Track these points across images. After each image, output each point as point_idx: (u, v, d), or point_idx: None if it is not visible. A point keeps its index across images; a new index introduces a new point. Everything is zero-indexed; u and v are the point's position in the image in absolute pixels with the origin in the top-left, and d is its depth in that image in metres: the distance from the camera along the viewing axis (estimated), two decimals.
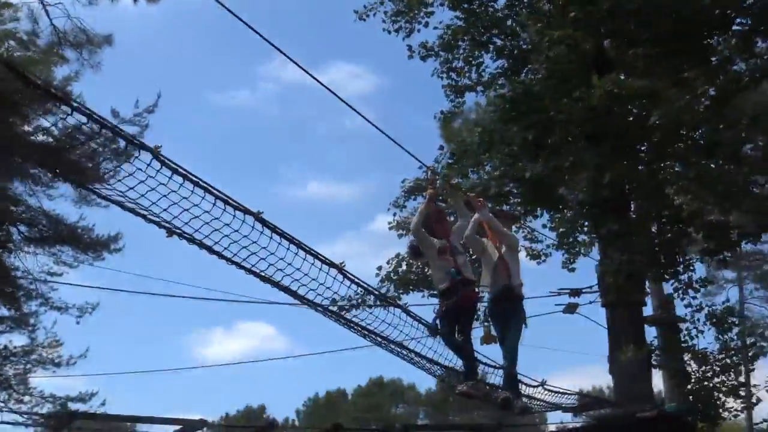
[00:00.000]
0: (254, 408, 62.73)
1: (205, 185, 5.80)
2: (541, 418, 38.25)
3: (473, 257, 10.87)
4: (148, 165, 5.45)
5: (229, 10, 6.47)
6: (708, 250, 14.50)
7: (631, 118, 13.27)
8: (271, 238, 6.41)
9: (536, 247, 17.96)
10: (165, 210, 5.87)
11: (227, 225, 6.09)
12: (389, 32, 18.77)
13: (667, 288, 15.56)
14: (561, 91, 13.95)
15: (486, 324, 10.09)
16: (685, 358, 14.73)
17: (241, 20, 6.18)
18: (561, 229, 15.93)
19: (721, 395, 14.52)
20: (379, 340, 8.68)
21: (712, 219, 13.44)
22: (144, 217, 6.05)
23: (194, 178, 5.72)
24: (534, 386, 10.33)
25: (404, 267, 16.29)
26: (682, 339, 14.88)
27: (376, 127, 7.92)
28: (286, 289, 7.10)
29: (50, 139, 15.72)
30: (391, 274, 16.08)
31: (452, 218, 10.82)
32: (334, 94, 7.56)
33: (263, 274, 6.77)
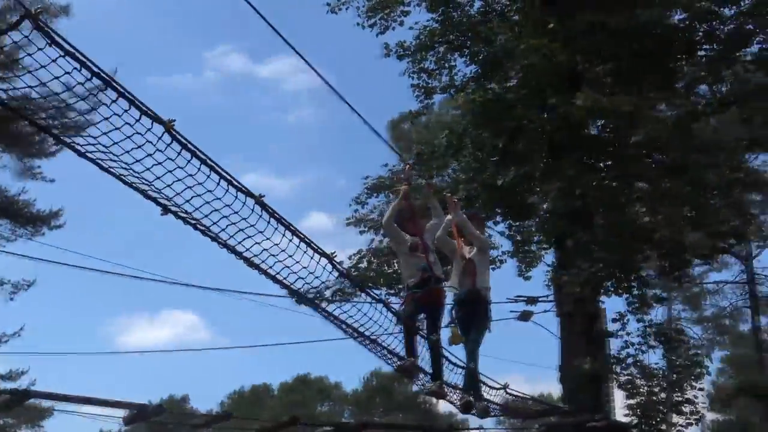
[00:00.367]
0: (177, 398, 61.96)
1: (212, 164, 5.72)
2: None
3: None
4: (159, 139, 5.36)
5: None
6: (663, 268, 14.84)
7: (609, 134, 13.49)
8: (268, 222, 6.35)
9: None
10: (168, 186, 5.77)
11: (228, 206, 6.01)
12: (363, 27, 18.78)
13: (617, 304, 15.90)
14: (535, 100, 14.11)
15: (453, 325, 10.13)
16: (634, 372, 15.03)
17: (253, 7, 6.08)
18: (537, 237, 16.11)
19: (666, 410, 14.88)
20: (352, 332, 8.62)
21: (671, 238, 13.73)
22: (143, 193, 5.94)
23: (202, 156, 5.64)
24: (497, 389, 10.41)
25: (365, 264, 16.31)
26: (632, 354, 15.18)
27: (364, 119, 7.84)
28: (274, 278, 7.04)
29: None
30: (352, 270, 16.08)
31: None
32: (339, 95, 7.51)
33: (252, 258, 6.70)
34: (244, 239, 6.37)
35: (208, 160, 5.72)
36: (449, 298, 10.16)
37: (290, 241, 6.61)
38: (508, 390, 10.75)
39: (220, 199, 5.94)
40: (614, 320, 15.36)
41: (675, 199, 13.23)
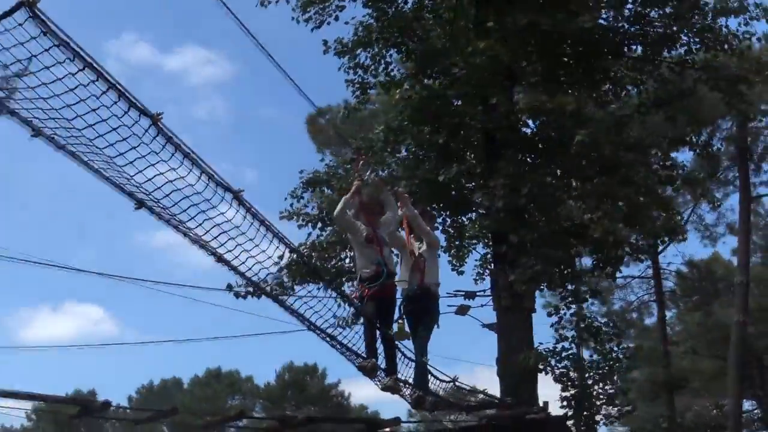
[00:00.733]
0: (84, 392, 60.51)
1: (195, 157, 5.66)
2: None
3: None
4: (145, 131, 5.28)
5: None
6: (597, 265, 15.28)
7: (549, 132, 13.78)
8: (245, 217, 6.32)
9: None
10: (149, 180, 5.70)
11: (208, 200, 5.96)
12: (297, 22, 18.61)
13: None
14: (475, 98, 14.31)
15: (400, 321, 10.20)
16: (568, 365, 15.38)
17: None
18: (470, 232, 16.32)
19: (598, 402, 15.32)
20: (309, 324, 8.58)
21: (605, 234, 14.12)
22: (119, 187, 5.84)
23: (186, 149, 5.58)
24: (447, 382, 10.56)
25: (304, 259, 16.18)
26: (567, 347, 15.54)
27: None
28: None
29: None
30: (292, 265, 15.94)
31: None
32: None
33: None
34: (219, 234, 6.32)
35: (191, 154, 5.67)
36: (398, 293, 10.29)
37: (264, 235, 6.59)
38: (457, 383, 10.89)
39: (200, 193, 5.89)
40: (549, 314, 15.72)
41: (611, 197, 13.62)
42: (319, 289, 9.36)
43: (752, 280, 30.49)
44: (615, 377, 15.73)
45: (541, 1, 15.44)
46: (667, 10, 17.20)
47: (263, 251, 6.63)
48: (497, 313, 15.24)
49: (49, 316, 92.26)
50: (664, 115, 17.18)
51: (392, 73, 17.92)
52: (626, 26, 17.27)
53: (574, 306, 15.61)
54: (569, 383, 14.92)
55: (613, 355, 15.58)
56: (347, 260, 16.36)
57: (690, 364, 37.00)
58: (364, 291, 9.35)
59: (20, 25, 4.39)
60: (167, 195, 5.80)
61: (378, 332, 9.21)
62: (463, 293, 15.75)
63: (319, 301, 8.47)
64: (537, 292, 16.19)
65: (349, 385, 61.17)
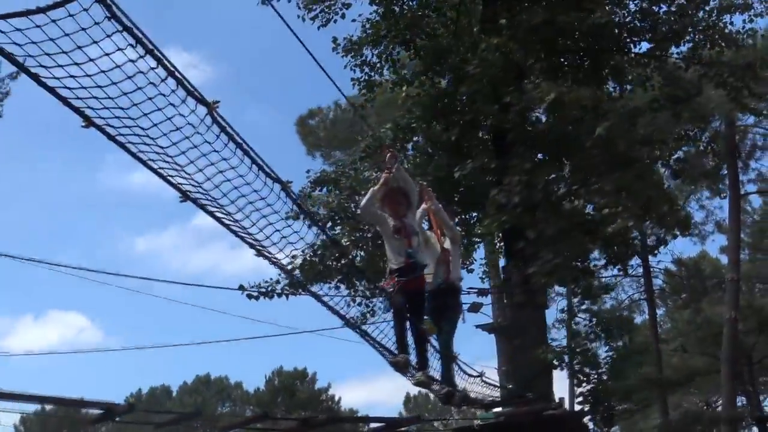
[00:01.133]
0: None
1: (247, 148, 5.58)
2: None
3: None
4: (201, 121, 5.19)
5: None
6: (611, 259, 15.25)
7: (565, 128, 13.74)
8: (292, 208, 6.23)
9: None
10: (200, 171, 5.60)
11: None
12: (303, 20, 18.54)
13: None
14: (489, 96, 14.26)
15: (426, 316, 10.12)
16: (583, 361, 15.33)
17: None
18: (477, 229, 16.25)
19: (613, 399, 15.30)
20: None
21: (627, 230, 14.07)
22: (166, 179, 5.73)
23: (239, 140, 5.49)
24: (474, 377, 10.51)
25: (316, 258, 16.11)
26: (581, 343, 15.50)
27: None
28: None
29: None
30: (305, 265, 15.86)
31: None
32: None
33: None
34: (265, 226, 6.23)
35: (243, 145, 5.58)
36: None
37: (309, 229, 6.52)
38: (483, 378, 10.84)
39: (249, 184, 5.80)
40: (562, 311, 15.71)
41: (627, 191, 13.56)
42: (338, 288, 9.28)
43: (741, 277, 30.57)
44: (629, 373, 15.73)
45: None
46: (672, 8, 17.28)
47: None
48: (509, 311, 15.21)
49: (31, 326, 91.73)
50: (673, 111, 17.20)
51: (399, 71, 17.87)
52: (634, 22, 17.30)
53: (586, 302, 15.57)
54: (585, 379, 14.89)
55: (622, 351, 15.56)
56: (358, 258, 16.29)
57: (680, 362, 37.09)
58: (396, 284, 9.24)
59: (85, 10, 4.30)
60: (217, 186, 5.69)
61: (408, 326, 9.12)
62: (476, 290, 15.73)
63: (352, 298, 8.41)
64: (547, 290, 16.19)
65: (338, 390, 61.14)
